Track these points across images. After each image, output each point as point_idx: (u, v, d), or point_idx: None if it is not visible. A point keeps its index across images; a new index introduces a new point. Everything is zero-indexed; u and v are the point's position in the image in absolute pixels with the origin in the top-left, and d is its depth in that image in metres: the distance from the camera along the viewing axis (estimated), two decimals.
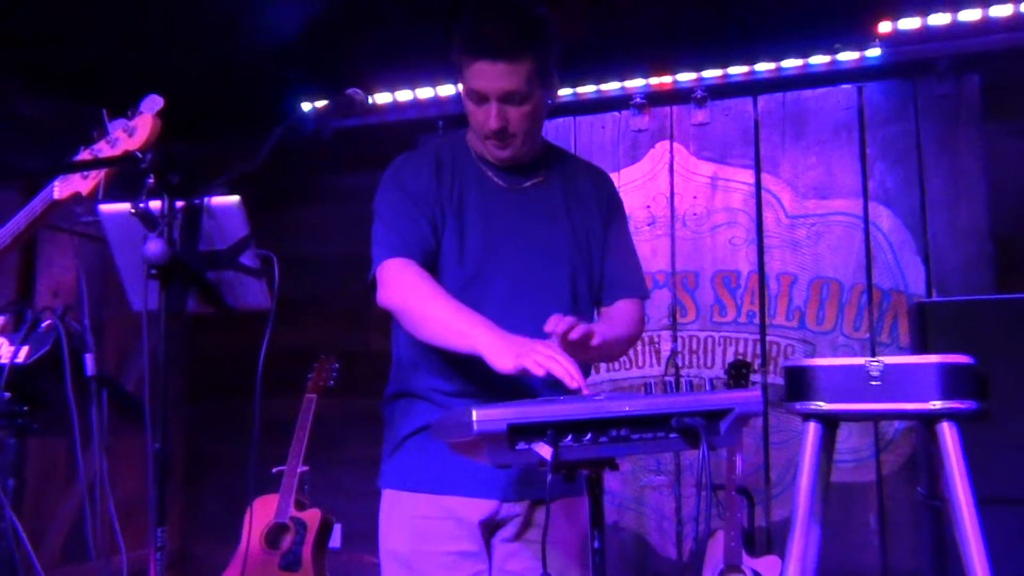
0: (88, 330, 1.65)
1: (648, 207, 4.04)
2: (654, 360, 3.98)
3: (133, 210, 1.48)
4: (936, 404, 1.91)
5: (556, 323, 1.60)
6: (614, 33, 3.76)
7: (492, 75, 1.74)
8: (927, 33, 3.60)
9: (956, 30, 3.57)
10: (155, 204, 1.48)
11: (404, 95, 4.25)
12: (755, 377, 3.74)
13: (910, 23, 3.59)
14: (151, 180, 1.47)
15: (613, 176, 2.14)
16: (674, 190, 4.03)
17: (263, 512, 3.53)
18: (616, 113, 4.16)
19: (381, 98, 4.26)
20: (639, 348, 3.97)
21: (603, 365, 3.97)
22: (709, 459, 1.30)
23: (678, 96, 4.05)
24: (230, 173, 1.54)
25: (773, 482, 3.72)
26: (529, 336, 1.60)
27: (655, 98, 4.09)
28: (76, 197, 1.77)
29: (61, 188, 1.79)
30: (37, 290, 3.99)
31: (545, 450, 1.27)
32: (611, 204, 2.03)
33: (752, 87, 3.96)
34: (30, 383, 1.66)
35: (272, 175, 3.14)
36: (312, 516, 3.53)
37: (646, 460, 3.90)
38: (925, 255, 3.65)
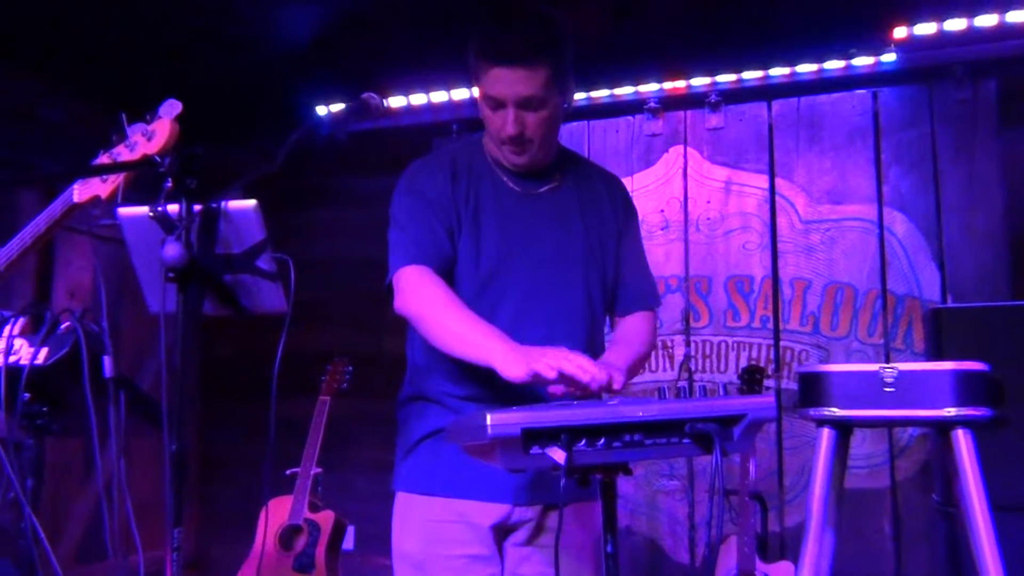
0: (106, 332, 1.66)
1: (662, 211, 4.04)
2: (667, 365, 3.98)
3: (151, 213, 1.49)
4: (951, 411, 1.90)
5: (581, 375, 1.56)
6: (628, 37, 3.76)
7: (510, 81, 1.74)
8: (943, 38, 3.59)
9: (972, 35, 3.55)
10: (173, 208, 1.48)
11: (419, 99, 4.27)
12: (769, 382, 3.73)
13: (926, 28, 3.57)
14: (169, 184, 1.48)
15: (626, 181, 2.15)
16: (688, 195, 4.03)
17: (277, 513, 3.54)
18: (630, 117, 4.16)
19: (396, 102, 4.27)
20: (652, 353, 3.96)
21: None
22: (722, 464, 1.30)
23: (692, 100, 4.05)
24: (247, 177, 1.55)
25: (787, 488, 3.71)
26: (544, 340, 1.60)
27: (669, 102, 4.09)
28: (95, 200, 1.78)
29: (80, 191, 1.80)
30: (54, 292, 4.02)
31: (559, 454, 1.27)
32: (626, 211, 2.04)
33: (767, 92, 3.95)
34: (49, 384, 1.67)
35: (288, 179, 3.15)
36: (326, 518, 3.54)
37: (659, 465, 3.89)
38: (940, 261, 3.63)
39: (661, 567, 3.86)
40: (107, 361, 1.63)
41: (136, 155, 1.70)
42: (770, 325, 3.84)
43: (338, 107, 4.25)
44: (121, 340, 4.17)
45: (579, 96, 4.01)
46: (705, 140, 4.04)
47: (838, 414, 2.01)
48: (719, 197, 3.98)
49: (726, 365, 3.89)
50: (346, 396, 3.84)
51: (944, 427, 1.95)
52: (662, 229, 4.03)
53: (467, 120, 4.19)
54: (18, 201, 3.81)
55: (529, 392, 1.75)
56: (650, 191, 4.05)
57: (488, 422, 1.25)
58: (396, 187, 1.93)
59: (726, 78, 3.96)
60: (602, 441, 1.31)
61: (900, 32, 3.60)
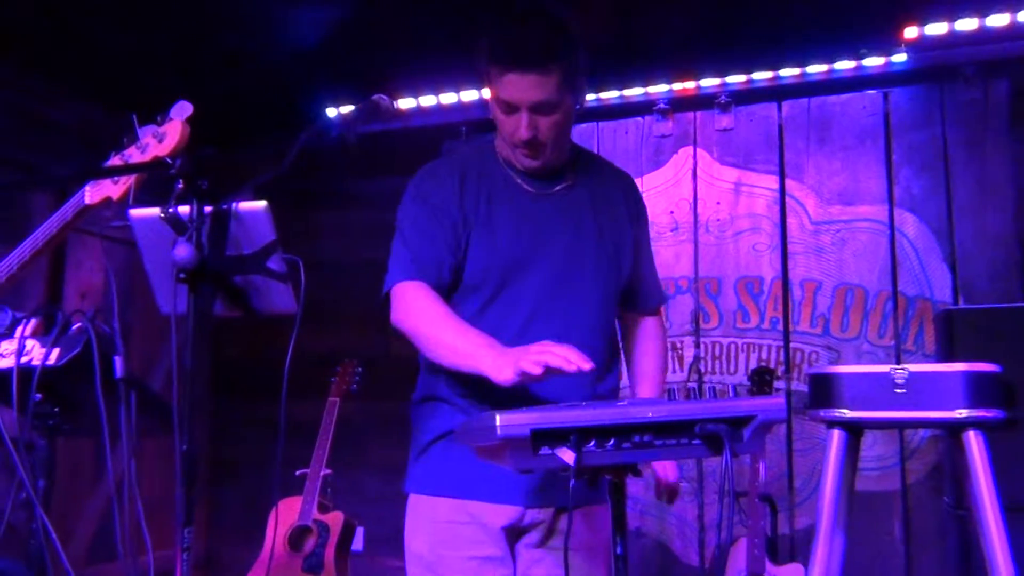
0: (118, 333, 1.67)
1: (671, 213, 4.04)
2: (677, 366, 3.97)
3: (163, 215, 1.49)
4: (962, 412, 1.89)
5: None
6: (638, 38, 3.76)
7: (523, 86, 1.74)
8: (954, 38, 3.57)
9: (983, 35, 3.54)
10: (184, 209, 1.49)
11: (428, 100, 4.27)
12: (779, 384, 3.72)
13: (937, 28, 3.55)
14: (180, 185, 1.48)
15: (636, 182, 2.15)
16: (697, 196, 4.02)
17: (286, 514, 3.55)
18: (639, 118, 4.15)
19: (405, 103, 4.28)
20: None
21: (625, 371, 3.95)
22: (732, 466, 1.30)
23: (702, 101, 4.04)
24: (258, 178, 1.56)
25: (797, 490, 3.70)
26: (558, 339, 1.62)
27: (679, 103, 4.08)
28: (107, 202, 1.79)
29: (92, 193, 1.81)
30: (66, 293, 4.04)
31: (568, 455, 1.27)
32: (639, 209, 2.06)
33: (776, 92, 3.94)
34: (61, 385, 1.68)
35: (299, 180, 3.17)
36: (335, 519, 3.55)
37: None
38: (951, 262, 3.61)
39: (671, 569, 3.85)
40: (118, 362, 1.64)
41: (147, 157, 1.71)
42: (780, 326, 3.83)
43: (348, 109, 4.25)
44: (132, 341, 4.19)
45: (589, 97, 4.00)
46: (715, 141, 4.03)
47: (848, 415, 2.01)
48: (729, 198, 3.97)
49: (736, 366, 3.88)
50: (356, 397, 3.85)
51: (955, 429, 1.94)
52: (672, 230, 4.02)
53: (477, 122, 4.20)
54: (30, 203, 3.84)
55: (539, 391, 1.76)
56: (659, 192, 4.05)
57: (498, 423, 1.25)
58: (405, 192, 1.94)
59: (736, 79, 3.95)
60: (612, 442, 1.31)
61: (911, 32, 3.58)
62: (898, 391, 1.96)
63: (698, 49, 3.85)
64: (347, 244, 4.59)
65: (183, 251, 1.43)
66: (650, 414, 1.32)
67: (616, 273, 1.96)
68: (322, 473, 3.60)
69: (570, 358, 1.51)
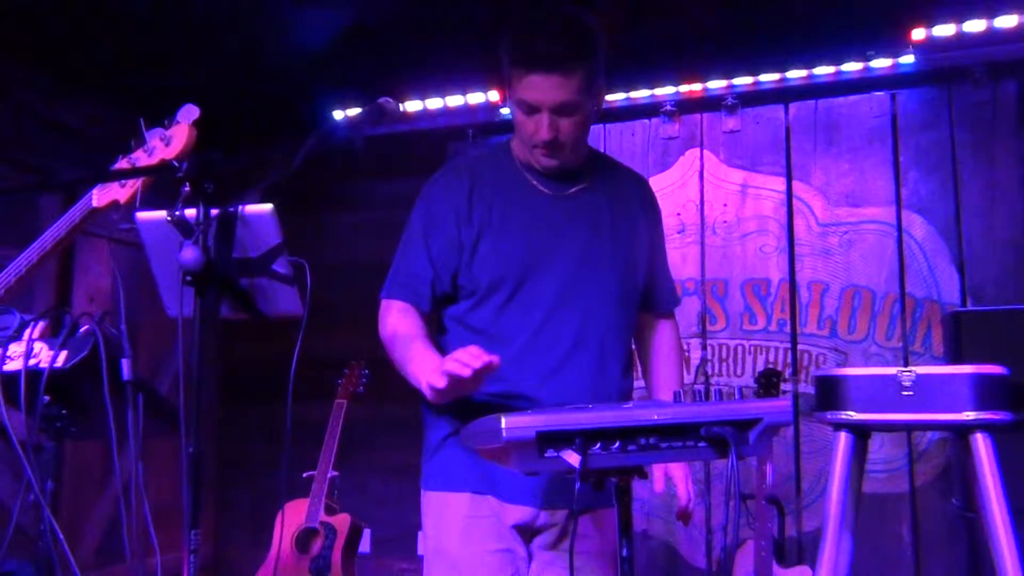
0: (125, 335, 1.67)
1: (678, 214, 4.03)
2: (683, 368, 3.96)
3: (169, 218, 1.50)
4: (970, 415, 1.89)
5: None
6: (644, 40, 3.76)
7: (545, 88, 1.74)
8: (962, 40, 3.56)
9: (992, 37, 3.53)
10: (191, 212, 1.49)
11: (435, 103, 4.27)
12: (786, 386, 3.71)
13: (945, 30, 3.55)
14: (187, 188, 1.49)
15: None
16: (704, 198, 4.02)
17: (293, 516, 3.56)
18: (646, 120, 4.15)
19: (412, 106, 4.28)
20: None
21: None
22: (738, 468, 1.29)
23: (708, 103, 4.04)
24: (264, 181, 1.56)
25: (804, 492, 3.69)
26: (575, 341, 1.62)
27: (685, 105, 4.08)
28: (114, 205, 1.80)
29: (100, 196, 1.82)
30: (74, 295, 4.05)
31: (573, 458, 1.27)
32: (654, 211, 2.06)
33: (783, 94, 3.94)
34: (68, 387, 1.68)
35: (305, 183, 3.18)
36: (342, 521, 3.55)
37: None
38: (959, 264, 3.60)
39: (678, 571, 3.85)
40: (125, 364, 1.64)
41: (154, 160, 1.71)
42: (787, 328, 3.82)
43: (355, 111, 4.26)
44: (139, 343, 4.19)
45: None
46: (721, 143, 4.03)
47: (856, 418, 2.00)
48: (735, 200, 3.96)
49: (743, 368, 3.88)
50: (362, 400, 3.85)
51: (963, 431, 1.93)
52: (678, 232, 4.02)
53: (483, 124, 4.19)
54: (38, 206, 3.85)
55: (553, 393, 1.76)
56: (666, 194, 4.04)
57: (503, 425, 1.25)
58: (418, 196, 1.96)
59: (743, 80, 3.95)
60: (617, 444, 1.30)
61: (918, 33, 3.58)
62: (905, 393, 1.95)
63: (705, 51, 3.85)
64: (354, 246, 4.60)
65: (189, 254, 1.44)
66: (655, 417, 1.31)
67: (633, 275, 1.96)
68: (329, 475, 3.60)
69: (463, 360, 1.53)
